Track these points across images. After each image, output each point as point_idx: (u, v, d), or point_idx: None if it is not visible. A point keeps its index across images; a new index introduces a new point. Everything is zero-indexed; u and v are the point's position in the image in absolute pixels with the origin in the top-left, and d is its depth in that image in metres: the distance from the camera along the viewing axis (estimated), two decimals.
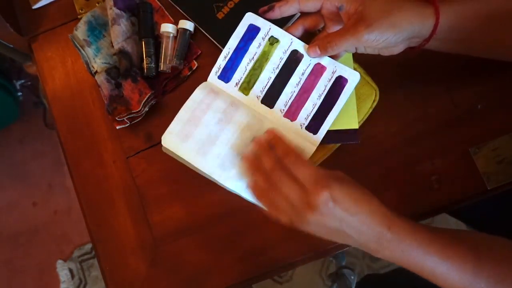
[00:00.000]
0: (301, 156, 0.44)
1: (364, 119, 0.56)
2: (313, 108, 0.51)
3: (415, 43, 0.48)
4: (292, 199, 0.43)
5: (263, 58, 0.52)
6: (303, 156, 0.45)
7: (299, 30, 0.51)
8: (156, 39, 0.63)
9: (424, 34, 0.46)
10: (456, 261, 0.42)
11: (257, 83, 0.52)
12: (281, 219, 0.46)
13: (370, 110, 0.56)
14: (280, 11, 0.50)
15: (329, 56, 0.51)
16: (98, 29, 0.63)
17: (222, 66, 0.53)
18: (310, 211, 0.41)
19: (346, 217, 0.42)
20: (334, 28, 0.50)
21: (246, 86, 0.53)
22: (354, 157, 0.58)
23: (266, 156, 0.46)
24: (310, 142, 0.51)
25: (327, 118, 0.51)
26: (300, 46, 0.52)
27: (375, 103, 0.56)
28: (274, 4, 0.50)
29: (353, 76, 0.51)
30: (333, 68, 0.51)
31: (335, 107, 0.51)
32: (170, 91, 0.62)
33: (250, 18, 0.52)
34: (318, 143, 0.51)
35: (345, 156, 0.57)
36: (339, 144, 0.56)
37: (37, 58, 0.66)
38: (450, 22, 0.46)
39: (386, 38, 0.45)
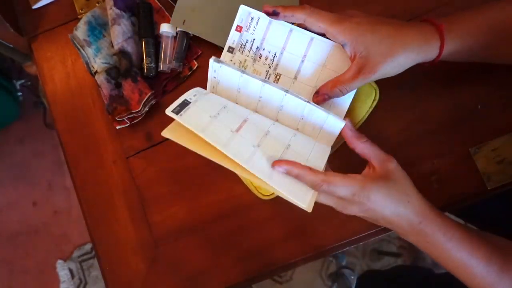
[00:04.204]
0: (330, 177, 0.44)
1: (364, 119, 0.56)
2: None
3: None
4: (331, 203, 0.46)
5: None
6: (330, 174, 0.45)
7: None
8: (156, 39, 0.63)
9: (429, 59, 0.48)
10: (483, 262, 0.43)
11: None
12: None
13: (370, 110, 0.56)
14: (284, 19, 0.50)
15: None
16: (98, 29, 0.63)
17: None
18: (346, 211, 0.46)
19: (380, 215, 0.45)
20: None
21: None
22: (354, 157, 0.57)
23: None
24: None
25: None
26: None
27: (375, 103, 0.56)
28: (279, 12, 0.49)
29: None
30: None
31: None
32: (170, 91, 0.62)
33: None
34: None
35: (345, 156, 0.57)
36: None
37: (37, 58, 0.66)
38: (455, 46, 0.47)
39: (393, 73, 0.47)
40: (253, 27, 0.52)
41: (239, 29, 0.53)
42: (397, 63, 0.46)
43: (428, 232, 0.44)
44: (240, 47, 0.53)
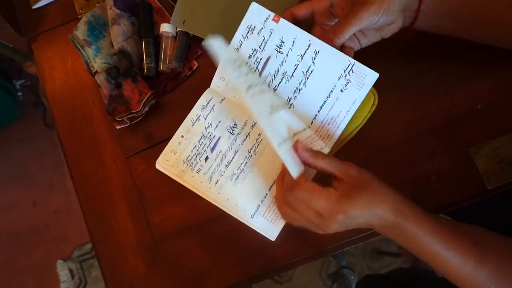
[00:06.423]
0: (311, 190, 0.45)
1: (363, 124, 0.56)
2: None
3: (408, 17, 0.50)
4: (310, 221, 0.47)
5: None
6: (312, 185, 0.46)
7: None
8: (156, 39, 0.63)
9: (414, 4, 0.48)
10: (459, 254, 0.43)
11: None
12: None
13: (369, 115, 0.56)
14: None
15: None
16: (98, 29, 0.63)
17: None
18: (327, 229, 0.46)
19: (359, 223, 0.46)
20: (329, 23, 0.51)
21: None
22: (354, 157, 0.57)
23: (288, 194, 0.48)
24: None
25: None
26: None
27: (373, 107, 0.56)
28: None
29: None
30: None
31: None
32: (170, 91, 0.62)
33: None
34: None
35: (345, 157, 0.57)
36: (353, 135, 0.56)
37: (37, 58, 0.66)
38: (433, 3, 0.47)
39: (384, 11, 0.47)
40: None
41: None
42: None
43: (405, 226, 0.44)
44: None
